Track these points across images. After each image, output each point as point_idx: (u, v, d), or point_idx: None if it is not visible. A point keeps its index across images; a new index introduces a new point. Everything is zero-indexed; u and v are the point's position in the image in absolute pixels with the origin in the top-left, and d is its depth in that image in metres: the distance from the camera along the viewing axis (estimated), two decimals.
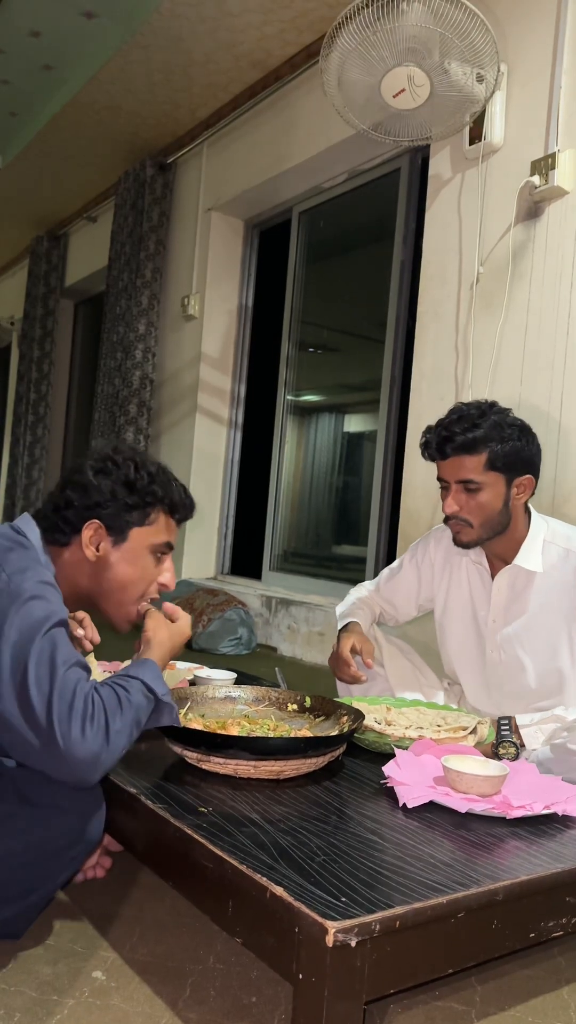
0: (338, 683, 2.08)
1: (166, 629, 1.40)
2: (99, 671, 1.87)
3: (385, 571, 2.20)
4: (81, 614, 1.61)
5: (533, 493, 1.87)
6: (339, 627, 2.07)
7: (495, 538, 1.85)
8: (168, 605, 1.47)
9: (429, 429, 1.86)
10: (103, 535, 1.39)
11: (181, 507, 1.47)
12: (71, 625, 1.58)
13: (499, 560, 1.91)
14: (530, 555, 1.84)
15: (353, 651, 1.92)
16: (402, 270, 3.80)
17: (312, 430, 4.79)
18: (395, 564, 2.19)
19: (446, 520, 1.86)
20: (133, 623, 1.46)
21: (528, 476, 1.82)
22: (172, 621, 1.44)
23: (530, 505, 1.91)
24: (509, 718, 1.72)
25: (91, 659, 1.88)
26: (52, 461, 6.79)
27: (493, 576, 1.93)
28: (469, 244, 3.05)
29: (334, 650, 1.98)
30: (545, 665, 1.85)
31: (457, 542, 1.86)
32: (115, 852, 1.60)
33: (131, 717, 1.18)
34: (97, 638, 1.60)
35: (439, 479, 1.86)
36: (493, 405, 1.84)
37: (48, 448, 6.58)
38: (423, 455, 1.89)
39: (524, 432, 1.82)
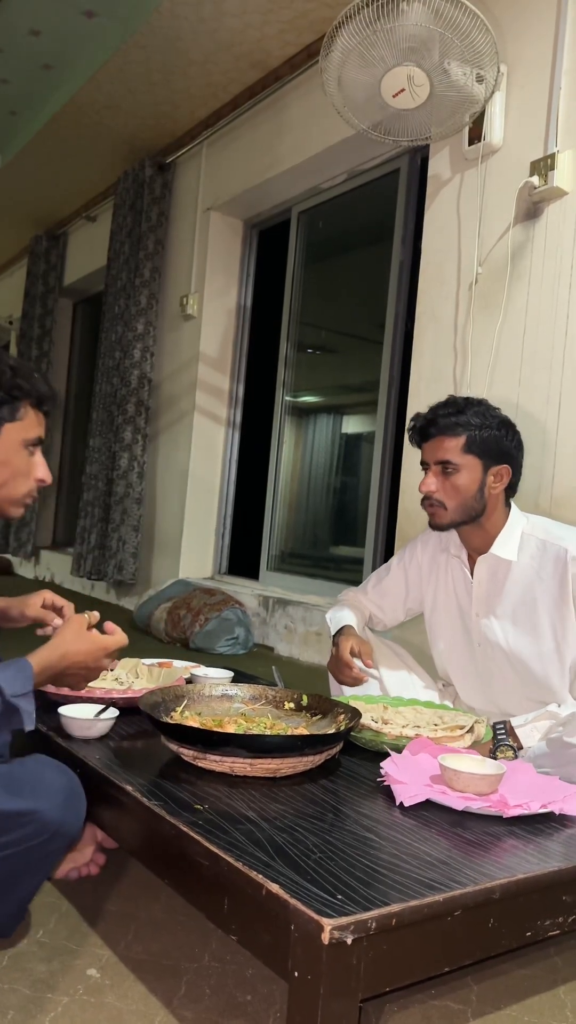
0: (332, 684, 2.09)
1: (80, 642, 1.36)
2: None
3: (373, 575, 2.23)
4: (60, 602, 1.58)
5: (513, 489, 1.93)
6: (332, 631, 2.08)
7: (471, 527, 1.91)
8: (109, 624, 1.43)
9: (417, 415, 1.94)
10: None
11: (48, 398, 1.43)
12: (48, 617, 1.57)
13: (477, 553, 1.95)
14: (506, 545, 1.89)
15: (352, 653, 1.94)
16: (401, 271, 3.80)
17: (310, 431, 4.79)
18: (383, 568, 2.22)
19: (423, 502, 1.91)
20: (21, 514, 1.44)
21: (505, 466, 1.88)
22: (101, 632, 1.40)
23: (512, 502, 1.95)
24: (504, 722, 1.73)
25: None
26: (50, 460, 6.76)
27: (472, 570, 1.96)
28: (468, 245, 3.05)
29: (333, 654, 1.99)
30: (529, 656, 1.87)
31: (432, 524, 1.92)
32: (110, 849, 1.60)
33: None
34: None
35: (422, 462, 1.93)
36: (482, 401, 1.93)
37: (46, 447, 6.56)
38: (410, 440, 1.97)
39: (505, 424, 1.90)
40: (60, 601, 1.58)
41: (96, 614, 1.45)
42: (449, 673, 2.09)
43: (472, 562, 1.97)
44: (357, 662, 1.94)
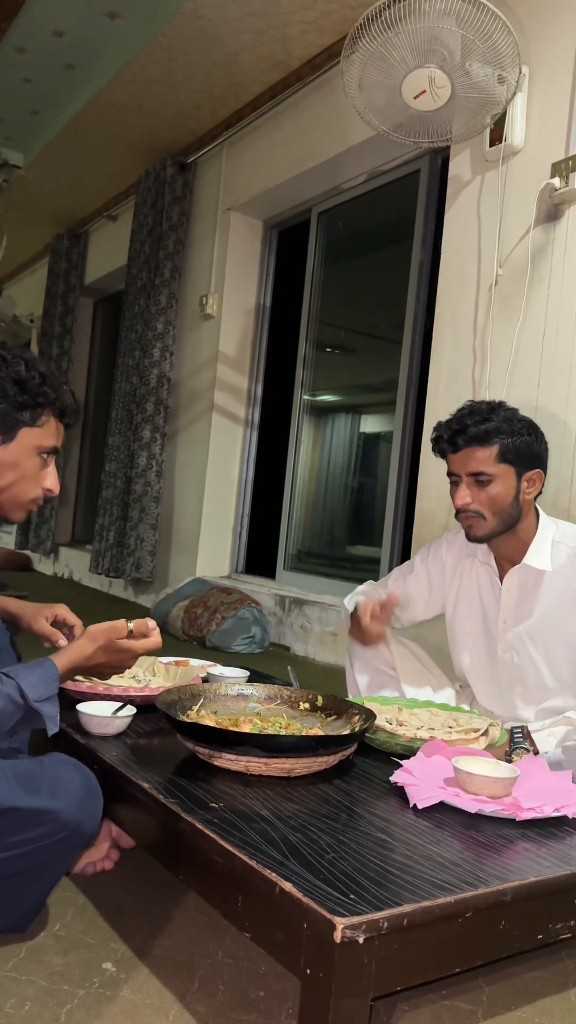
0: (347, 685, 2.09)
1: (110, 652, 1.38)
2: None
3: (395, 571, 2.20)
4: (72, 619, 1.59)
5: (541, 491, 1.89)
6: (348, 609, 2.05)
7: (505, 536, 1.86)
8: (148, 623, 1.43)
9: (440, 425, 1.88)
10: None
11: (70, 411, 1.44)
12: (55, 636, 1.58)
13: (507, 561, 1.92)
14: (539, 554, 1.85)
15: (373, 615, 1.90)
16: (420, 271, 3.80)
17: (328, 430, 4.79)
18: (406, 565, 2.19)
19: (457, 515, 1.86)
20: (22, 518, 1.45)
21: (538, 471, 1.84)
22: (140, 636, 1.41)
23: (539, 507, 1.92)
24: (522, 726, 1.73)
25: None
26: (69, 458, 6.84)
27: (502, 578, 1.94)
28: (488, 246, 3.04)
29: (354, 623, 1.96)
30: (556, 665, 1.85)
31: (470, 536, 1.86)
32: (127, 849, 1.62)
33: None
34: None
35: (449, 474, 1.87)
36: (502, 404, 1.87)
37: (65, 445, 6.61)
38: (434, 451, 1.91)
39: (533, 428, 1.86)
40: (72, 619, 1.58)
41: (144, 623, 1.44)
42: (468, 677, 2.07)
43: (501, 569, 1.94)
44: (384, 670, 1.93)
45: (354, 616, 1.99)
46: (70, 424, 1.46)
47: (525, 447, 1.81)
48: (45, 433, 1.41)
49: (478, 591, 2.01)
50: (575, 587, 1.82)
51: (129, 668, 1.45)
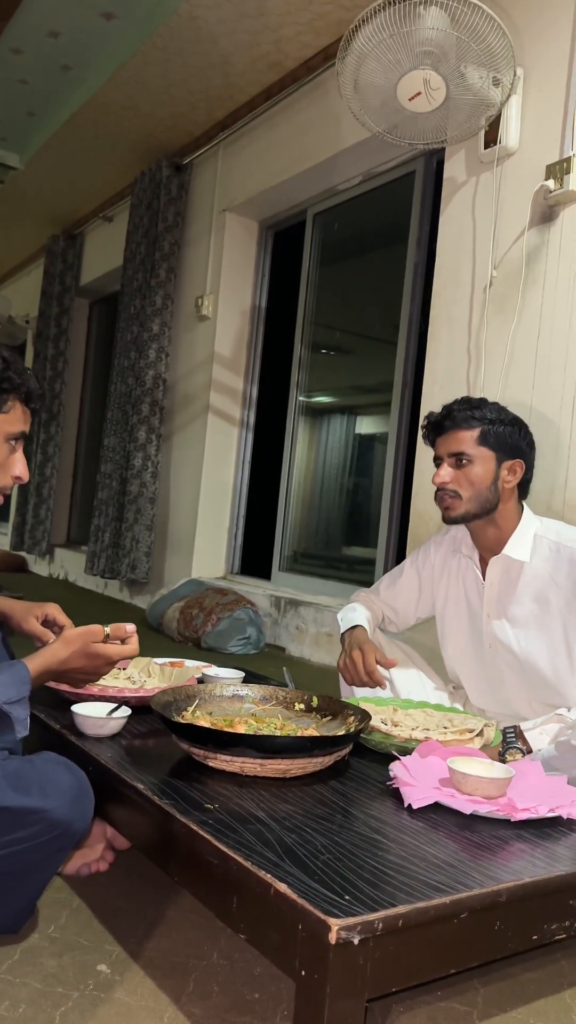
0: (342, 686, 2.09)
1: (85, 657, 1.36)
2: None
3: (386, 576, 2.24)
4: (63, 620, 1.58)
5: (525, 490, 1.95)
6: (343, 630, 2.09)
7: (484, 523, 1.92)
8: (127, 628, 1.42)
9: (430, 414, 1.97)
10: None
11: (36, 396, 1.41)
12: (45, 635, 1.57)
13: (490, 554, 1.96)
14: (518, 547, 1.89)
15: (378, 661, 1.96)
16: (415, 273, 3.80)
17: (323, 431, 4.80)
18: (396, 569, 2.23)
19: (436, 495, 1.92)
20: None
21: (519, 461, 1.90)
22: (117, 640, 1.39)
23: (525, 504, 1.96)
24: (515, 726, 1.73)
25: None
26: (65, 459, 6.83)
27: (485, 571, 1.97)
28: (483, 248, 3.05)
29: (346, 657, 1.99)
30: (540, 659, 1.87)
31: (445, 516, 1.92)
32: (122, 850, 1.61)
33: None
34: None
35: (435, 459, 1.94)
36: (494, 402, 1.96)
37: (61, 446, 6.62)
38: (424, 438, 1.99)
39: (517, 421, 1.94)
40: (63, 619, 1.57)
41: (121, 627, 1.43)
42: (459, 675, 2.09)
43: (484, 564, 1.98)
44: (381, 670, 1.95)
45: (343, 639, 2.05)
46: (36, 409, 1.42)
47: (507, 436, 1.89)
48: (12, 419, 1.38)
49: (463, 586, 2.04)
50: (557, 580, 1.84)
51: (104, 675, 1.42)
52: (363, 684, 1.96)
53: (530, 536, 1.90)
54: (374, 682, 1.94)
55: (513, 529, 1.91)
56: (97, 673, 1.41)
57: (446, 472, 1.88)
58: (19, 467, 1.40)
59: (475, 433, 1.87)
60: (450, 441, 1.89)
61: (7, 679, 1.25)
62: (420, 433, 2.02)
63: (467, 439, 1.87)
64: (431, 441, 1.97)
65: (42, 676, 1.34)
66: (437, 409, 1.98)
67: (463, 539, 2.03)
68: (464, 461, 1.87)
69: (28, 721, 1.26)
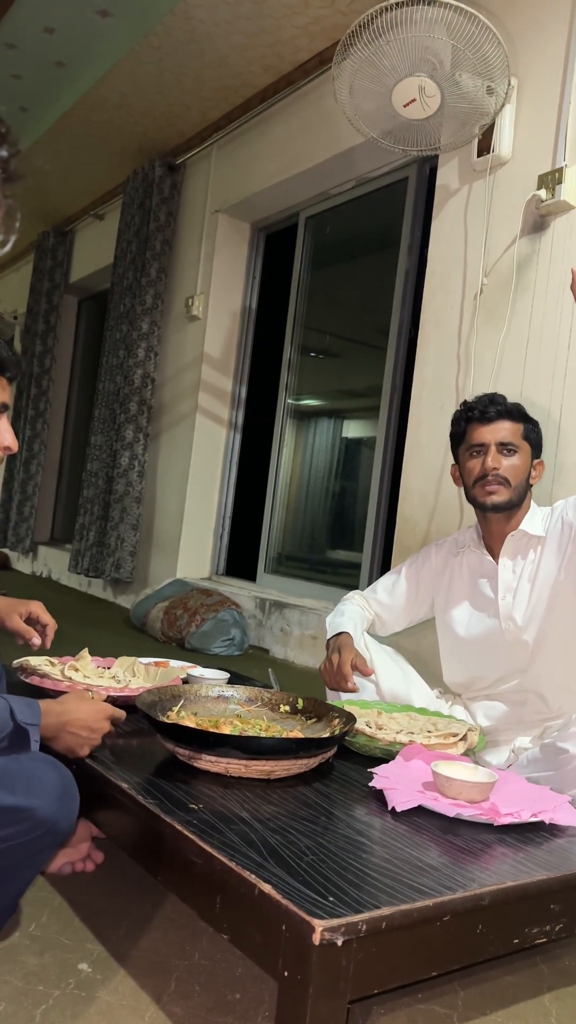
0: (327, 689, 2.10)
1: (83, 705, 1.41)
2: (92, 667, 1.88)
3: (383, 579, 2.25)
4: (46, 618, 1.58)
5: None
6: (329, 635, 2.09)
7: (507, 516, 1.95)
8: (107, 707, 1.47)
9: (468, 401, 1.99)
10: None
11: (12, 364, 1.37)
12: (28, 633, 1.57)
13: (500, 544, 1.99)
14: (532, 523, 1.95)
15: (352, 667, 1.96)
16: (406, 278, 3.82)
17: (311, 434, 4.80)
18: (393, 572, 2.24)
19: (475, 484, 1.92)
20: None
21: (542, 462, 2.00)
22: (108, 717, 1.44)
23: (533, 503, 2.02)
24: None
25: (84, 654, 1.88)
26: (51, 457, 6.80)
27: (496, 560, 2.01)
28: (474, 255, 3.07)
29: (327, 661, 2.00)
30: (561, 630, 1.90)
31: (489, 504, 1.92)
32: (102, 844, 1.61)
33: None
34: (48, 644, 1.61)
35: (473, 446, 1.94)
36: None
37: (47, 443, 6.58)
38: (458, 426, 1.99)
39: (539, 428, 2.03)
40: (46, 618, 1.57)
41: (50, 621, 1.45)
42: (468, 662, 2.09)
43: (494, 554, 2.01)
44: (356, 675, 1.96)
45: (328, 644, 2.06)
46: (12, 378, 1.38)
47: (537, 436, 1.97)
48: None
49: (470, 575, 2.07)
50: (558, 543, 1.91)
51: (105, 729, 1.44)
52: (337, 687, 1.96)
53: (539, 517, 1.97)
54: (345, 685, 1.94)
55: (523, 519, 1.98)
56: (99, 728, 1.42)
57: (498, 458, 1.90)
58: (7, 437, 1.36)
59: (520, 427, 1.93)
60: (500, 430, 1.92)
61: (24, 704, 1.28)
62: (457, 418, 2.00)
63: (515, 430, 1.93)
64: (464, 430, 1.97)
65: (47, 714, 1.35)
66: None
67: (469, 537, 2.07)
68: (511, 450, 1.91)
69: (39, 747, 1.29)
